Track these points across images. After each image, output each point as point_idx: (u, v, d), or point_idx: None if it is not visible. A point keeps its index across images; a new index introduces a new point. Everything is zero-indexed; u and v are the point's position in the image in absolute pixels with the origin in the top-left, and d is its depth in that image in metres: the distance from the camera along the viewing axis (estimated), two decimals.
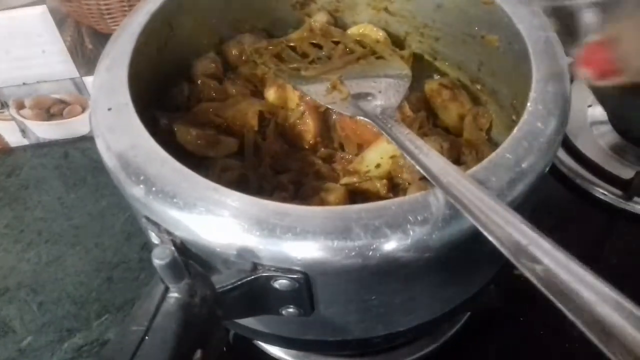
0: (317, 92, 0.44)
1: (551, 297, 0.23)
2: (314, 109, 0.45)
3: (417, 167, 0.32)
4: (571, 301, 0.23)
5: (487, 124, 0.45)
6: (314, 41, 0.51)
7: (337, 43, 0.51)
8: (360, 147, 0.44)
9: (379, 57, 0.48)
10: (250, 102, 0.46)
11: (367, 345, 0.41)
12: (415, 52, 0.52)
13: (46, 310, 0.57)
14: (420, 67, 0.51)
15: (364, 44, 0.50)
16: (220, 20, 0.50)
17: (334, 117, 0.46)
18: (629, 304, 0.22)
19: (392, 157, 0.41)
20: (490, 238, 0.26)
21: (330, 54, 0.49)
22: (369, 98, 0.42)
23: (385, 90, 0.43)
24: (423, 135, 0.43)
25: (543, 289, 0.24)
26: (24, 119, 0.71)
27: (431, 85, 0.49)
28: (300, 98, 0.45)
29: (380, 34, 0.51)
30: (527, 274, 0.25)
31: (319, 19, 0.52)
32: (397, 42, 0.53)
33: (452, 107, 0.47)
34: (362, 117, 0.40)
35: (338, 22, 0.54)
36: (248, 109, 0.45)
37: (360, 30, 0.52)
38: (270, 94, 0.47)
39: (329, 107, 0.43)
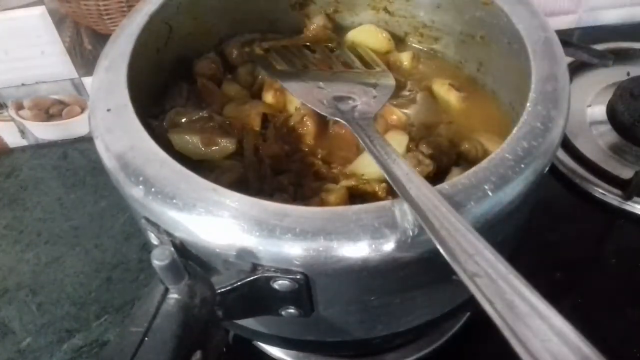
0: (296, 89, 0.44)
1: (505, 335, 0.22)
2: (314, 111, 0.45)
3: (384, 174, 0.32)
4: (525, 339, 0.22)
5: None
6: (307, 44, 0.51)
7: (332, 49, 0.51)
8: (358, 150, 0.44)
9: (368, 66, 0.48)
10: (254, 104, 0.46)
11: (367, 345, 0.41)
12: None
13: (45, 311, 0.57)
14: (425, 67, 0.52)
15: (356, 52, 0.50)
16: (220, 20, 0.50)
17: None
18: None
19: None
20: (443, 253, 0.26)
21: (323, 58, 0.50)
22: (349, 102, 0.42)
23: (367, 97, 0.43)
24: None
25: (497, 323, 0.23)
26: (22, 119, 0.71)
27: (439, 85, 0.49)
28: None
29: (384, 35, 0.52)
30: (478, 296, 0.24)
31: (317, 22, 0.52)
32: (397, 43, 0.53)
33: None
34: (338, 119, 0.40)
35: (337, 23, 0.54)
36: (251, 110, 0.45)
37: (362, 32, 0.52)
38: (268, 97, 0.47)
39: (309, 105, 0.43)
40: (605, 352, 0.21)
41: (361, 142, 0.36)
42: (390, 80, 0.46)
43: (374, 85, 0.45)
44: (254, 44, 0.51)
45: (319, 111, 0.42)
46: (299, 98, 0.44)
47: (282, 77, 0.46)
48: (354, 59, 0.49)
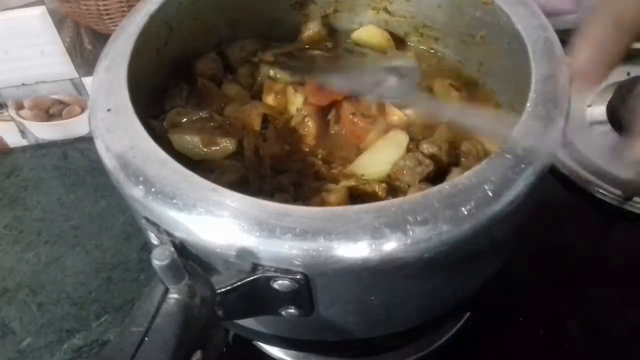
0: (336, 82, 0.45)
1: None
2: (316, 112, 0.45)
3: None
4: None
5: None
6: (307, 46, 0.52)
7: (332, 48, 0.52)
8: (359, 150, 0.44)
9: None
10: (254, 104, 0.46)
11: (367, 345, 0.41)
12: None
13: (45, 311, 0.57)
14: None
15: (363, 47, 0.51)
16: (220, 20, 0.50)
17: (334, 117, 0.46)
18: None
19: (392, 163, 0.41)
20: None
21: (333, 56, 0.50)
22: (385, 83, 0.44)
23: (400, 76, 0.45)
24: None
25: None
26: (23, 119, 0.71)
27: (439, 85, 0.49)
28: (304, 101, 0.46)
29: (384, 35, 0.52)
30: None
31: (312, 28, 0.52)
32: (397, 43, 0.53)
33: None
34: (383, 98, 0.42)
35: (337, 23, 0.54)
36: (251, 111, 0.45)
37: (363, 33, 0.52)
38: (269, 99, 0.47)
39: (355, 95, 0.44)
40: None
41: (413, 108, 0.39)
42: (411, 62, 0.48)
43: (400, 68, 0.47)
44: (257, 55, 0.50)
45: (368, 97, 0.43)
46: (341, 89, 0.44)
47: (316, 73, 0.46)
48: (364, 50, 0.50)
